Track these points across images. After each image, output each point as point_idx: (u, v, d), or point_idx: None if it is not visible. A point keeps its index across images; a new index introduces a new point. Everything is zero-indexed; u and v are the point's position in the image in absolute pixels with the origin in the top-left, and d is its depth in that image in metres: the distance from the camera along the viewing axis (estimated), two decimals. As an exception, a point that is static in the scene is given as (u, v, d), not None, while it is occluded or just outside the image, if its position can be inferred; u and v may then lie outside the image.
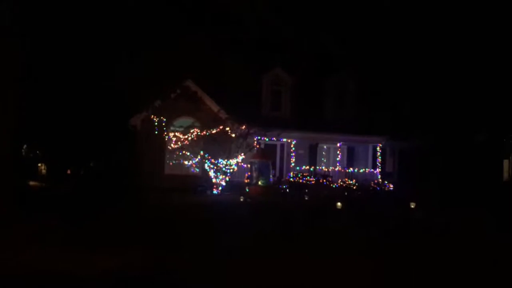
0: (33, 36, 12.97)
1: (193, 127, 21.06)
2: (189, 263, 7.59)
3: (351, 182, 22.56)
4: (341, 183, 22.52)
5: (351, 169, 24.14)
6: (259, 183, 20.53)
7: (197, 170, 21.19)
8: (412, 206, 16.48)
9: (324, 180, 22.03)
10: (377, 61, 23.86)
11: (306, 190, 20.32)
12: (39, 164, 22.92)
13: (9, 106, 11.59)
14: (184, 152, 20.69)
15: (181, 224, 11.64)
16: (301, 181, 21.82)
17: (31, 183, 20.18)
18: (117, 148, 20.27)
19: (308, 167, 23.44)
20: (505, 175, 25.52)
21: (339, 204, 15.68)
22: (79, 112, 19.51)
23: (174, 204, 15.94)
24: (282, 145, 24.20)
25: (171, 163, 21.27)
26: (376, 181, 23.39)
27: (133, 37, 19.05)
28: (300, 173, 22.58)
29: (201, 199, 18.02)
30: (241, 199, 17.45)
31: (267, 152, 22.41)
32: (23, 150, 19.42)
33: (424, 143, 23.57)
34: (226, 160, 20.57)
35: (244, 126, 20.71)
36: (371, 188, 22.36)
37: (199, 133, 20.66)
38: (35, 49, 14.83)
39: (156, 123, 20.63)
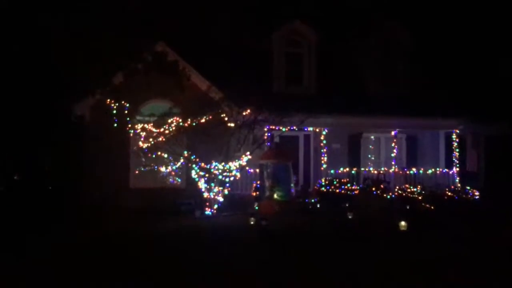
0: None
1: (171, 115, 19.66)
2: None
3: (415, 189, 21.11)
4: (400, 191, 21.13)
5: (414, 169, 23.26)
6: (275, 196, 19.89)
7: (179, 180, 20.33)
8: (517, 225, 15.80)
9: (374, 188, 20.73)
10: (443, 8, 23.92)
11: (347, 205, 19.18)
12: None
13: None
14: (159, 153, 19.54)
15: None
16: (338, 190, 20.86)
17: None
18: (52, 151, 19.73)
19: (348, 169, 22.73)
20: None
21: (403, 224, 15.07)
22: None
23: (138, 236, 14.56)
24: (307, 136, 23.71)
25: (138, 171, 20.14)
26: (452, 187, 22.12)
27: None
28: (336, 178, 21.72)
29: (186, 224, 16.80)
30: (251, 222, 16.40)
31: (285, 149, 21.68)
32: None
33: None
34: (223, 163, 19.33)
35: (248, 111, 19.44)
36: (446, 197, 20.99)
37: (181, 124, 19.32)
38: None
39: (114, 111, 19.35)
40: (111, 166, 20.04)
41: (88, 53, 18.14)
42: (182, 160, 19.58)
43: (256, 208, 19.14)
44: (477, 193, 21.50)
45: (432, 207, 19.85)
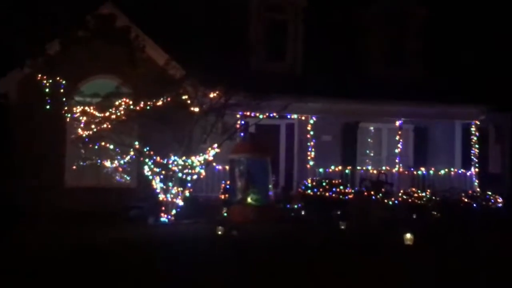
0: None
1: (119, 95, 19.27)
2: None
3: (424, 194, 21.28)
4: (405, 196, 21.18)
5: (423, 169, 23.12)
6: (249, 200, 19.52)
7: (127, 178, 20.35)
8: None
9: (373, 192, 20.79)
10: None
11: (339, 212, 19.37)
12: None
13: None
14: (103, 144, 19.11)
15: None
16: (328, 194, 20.73)
17: None
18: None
19: (340, 167, 22.65)
20: None
21: (408, 236, 14.75)
22: None
23: (65, 252, 13.22)
24: (291, 126, 23.52)
25: (76, 167, 19.81)
26: (470, 192, 21.95)
27: None
28: (325, 179, 21.58)
29: (134, 234, 16.13)
30: (219, 232, 15.80)
31: (263, 141, 21.35)
32: None
33: None
34: (184, 158, 19.05)
35: (217, 92, 19.20)
36: (462, 205, 21.02)
37: (131, 107, 18.97)
38: None
39: (47, 89, 18.72)
40: (42, 159, 19.64)
41: (17, 13, 17.97)
42: (132, 153, 19.20)
43: (225, 214, 19.11)
44: (500, 200, 21.55)
45: (445, 216, 20.14)
